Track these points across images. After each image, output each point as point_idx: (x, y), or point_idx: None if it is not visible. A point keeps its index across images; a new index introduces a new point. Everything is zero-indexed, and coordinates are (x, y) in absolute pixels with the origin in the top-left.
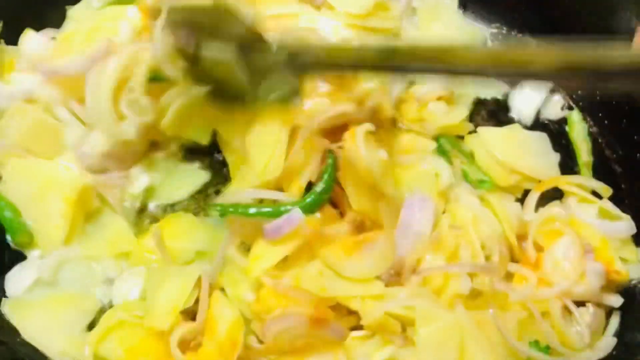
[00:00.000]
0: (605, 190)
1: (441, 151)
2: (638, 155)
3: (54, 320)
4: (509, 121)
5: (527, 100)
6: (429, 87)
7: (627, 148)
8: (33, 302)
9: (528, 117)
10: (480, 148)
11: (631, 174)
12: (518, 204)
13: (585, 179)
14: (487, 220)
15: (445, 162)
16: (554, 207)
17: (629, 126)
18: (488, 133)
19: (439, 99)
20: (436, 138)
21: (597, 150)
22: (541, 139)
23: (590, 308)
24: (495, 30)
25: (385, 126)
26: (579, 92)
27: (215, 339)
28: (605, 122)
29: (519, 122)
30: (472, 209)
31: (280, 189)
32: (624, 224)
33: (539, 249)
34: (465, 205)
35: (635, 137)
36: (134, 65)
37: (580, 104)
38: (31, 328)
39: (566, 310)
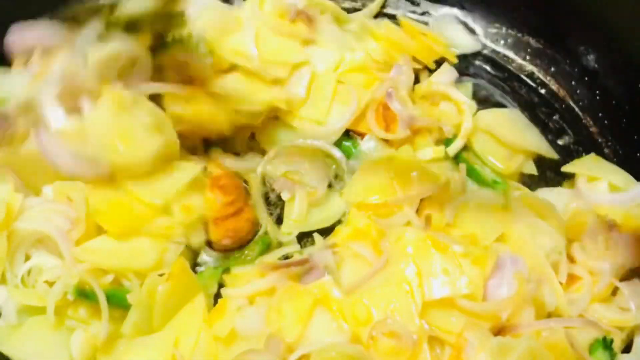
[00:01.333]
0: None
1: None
2: (638, 155)
3: (44, 345)
4: None
5: None
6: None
7: (627, 148)
8: (22, 329)
9: None
10: (478, 135)
11: (631, 174)
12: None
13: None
14: (545, 230)
15: None
16: (572, 202)
17: (629, 126)
18: (487, 115)
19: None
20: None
21: (597, 150)
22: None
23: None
24: (494, 31)
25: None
26: (577, 91)
27: None
28: (605, 122)
29: None
30: (528, 224)
31: None
32: (636, 190)
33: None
34: (520, 221)
35: (635, 137)
36: None
37: (580, 103)
38: (22, 355)
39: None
